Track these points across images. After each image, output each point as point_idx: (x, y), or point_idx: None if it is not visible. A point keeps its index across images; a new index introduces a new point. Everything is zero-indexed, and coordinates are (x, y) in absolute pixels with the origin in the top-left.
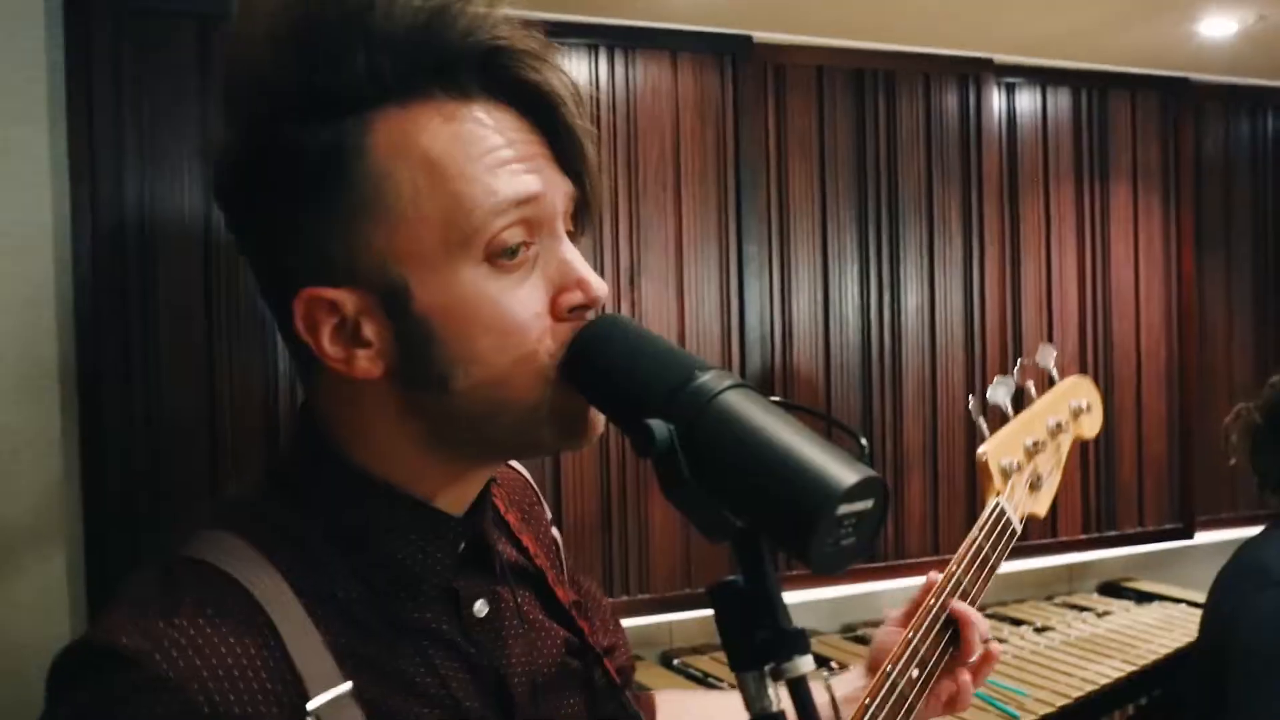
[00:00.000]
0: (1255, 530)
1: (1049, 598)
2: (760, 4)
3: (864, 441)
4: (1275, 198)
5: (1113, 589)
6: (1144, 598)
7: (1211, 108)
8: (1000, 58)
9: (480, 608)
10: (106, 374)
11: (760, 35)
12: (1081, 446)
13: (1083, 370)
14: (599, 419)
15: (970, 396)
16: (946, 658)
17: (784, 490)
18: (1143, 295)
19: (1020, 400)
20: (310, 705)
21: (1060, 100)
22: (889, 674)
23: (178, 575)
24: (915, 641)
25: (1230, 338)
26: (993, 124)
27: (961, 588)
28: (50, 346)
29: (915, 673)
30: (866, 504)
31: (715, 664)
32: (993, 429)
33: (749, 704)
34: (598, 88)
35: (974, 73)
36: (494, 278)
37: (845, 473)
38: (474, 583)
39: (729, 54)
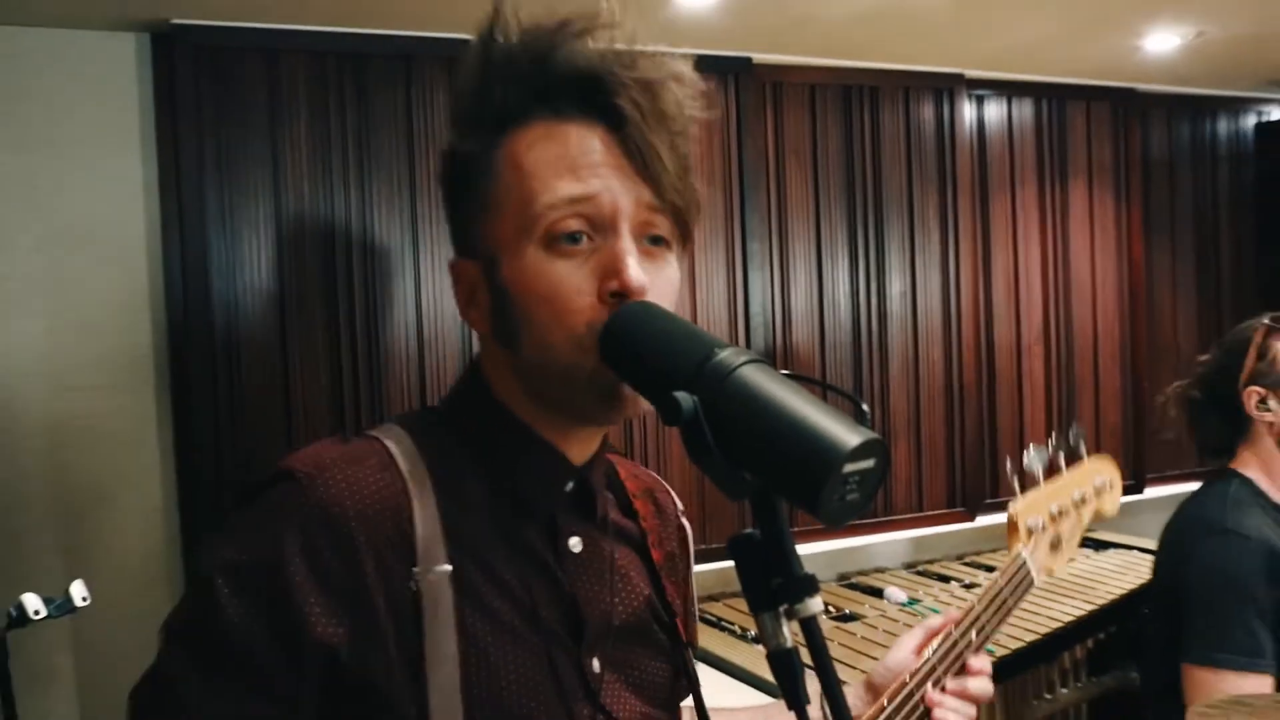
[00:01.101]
0: (1195, 485)
1: None
2: (759, 29)
3: (865, 407)
4: (1214, 193)
5: None
6: (1101, 546)
7: (1156, 114)
8: (971, 73)
9: (575, 544)
10: (194, 363)
11: (759, 57)
12: (1045, 414)
13: (1045, 349)
14: (635, 398)
15: (1009, 460)
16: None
17: (796, 452)
18: (1098, 281)
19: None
20: (415, 569)
21: (1024, 110)
22: (906, 685)
23: (358, 442)
24: (934, 663)
25: (1176, 318)
26: (965, 131)
27: (979, 623)
28: (146, 340)
29: (929, 689)
30: (868, 463)
31: (727, 609)
32: (1024, 490)
33: (765, 641)
34: None
35: (948, 87)
36: (552, 259)
37: (850, 435)
38: (574, 522)
39: (732, 73)
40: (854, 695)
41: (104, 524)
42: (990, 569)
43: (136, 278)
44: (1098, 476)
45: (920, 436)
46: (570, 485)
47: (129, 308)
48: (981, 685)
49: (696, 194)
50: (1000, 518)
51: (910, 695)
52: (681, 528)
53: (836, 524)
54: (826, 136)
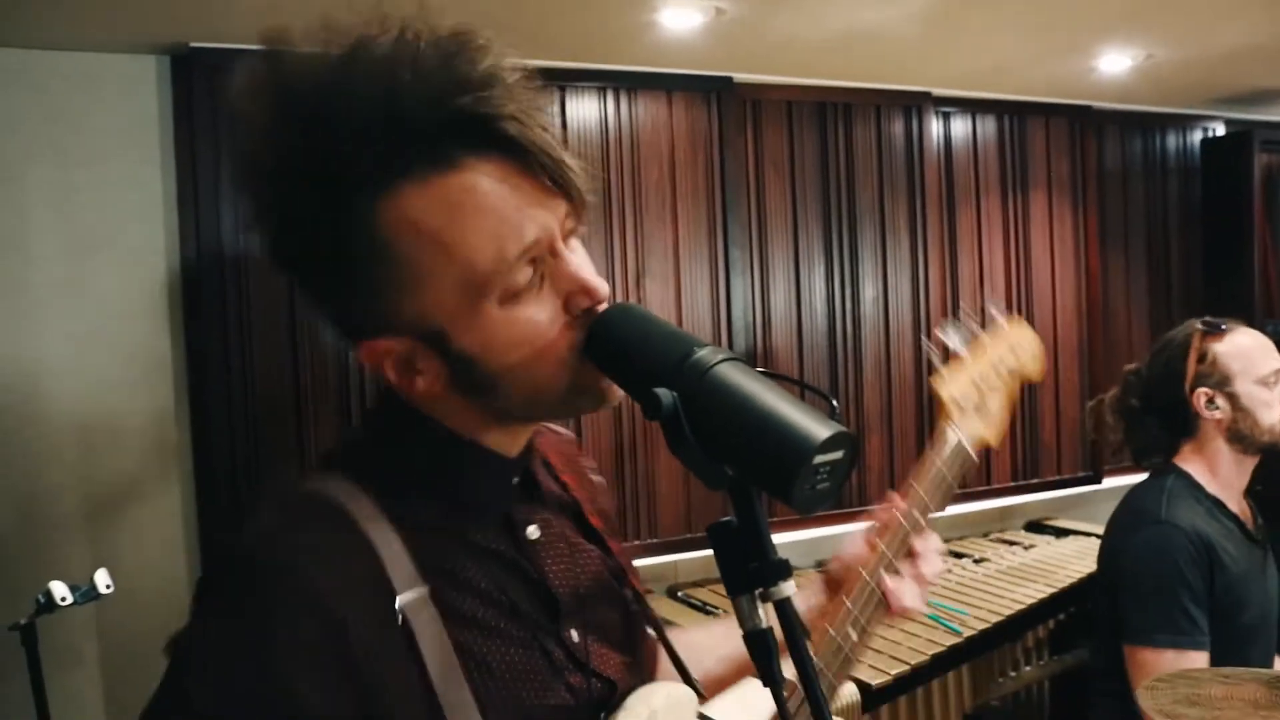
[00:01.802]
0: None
1: (985, 534)
2: (740, 51)
3: (835, 403)
4: (1164, 204)
5: (1036, 526)
6: (1062, 533)
7: (1110, 130)
8: (938, 91)
9: (533, 531)
10: (210, 363)
11: (740, 76)
12: (1009, 410)
13: None
14: (615, 388)
15: (925, 340)
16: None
17: (770, 444)
18: (1058, 286)
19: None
20: (398, 602)
21: (987, 126)
22: (865, 584)
23: (298, 503)
24: (886, 552)
25: (1129, 320)
26: (932, 146)
27: (921, 505)
28: (164, 342)
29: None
30: (838, 454)
31: (712, 594)
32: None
33: (742, 622)
34: (607, 122)
35: (916, 104)
36: (513, 308)
37: (820, 428)
38: (527, 510)
39: (714, 92)
40: (813, 593)
41: (126, 516)
42: (961, 555)
43: (156, 283)
44: (1018, 343)
45: (893, 431)
46: (516, 479)
47: (149, 312)
48: (931, 565)
49: (587, 170)
50: (972, 507)
51: (867, 586)
52: (603, 489)
53: (808, 512)
54: (803, 151)
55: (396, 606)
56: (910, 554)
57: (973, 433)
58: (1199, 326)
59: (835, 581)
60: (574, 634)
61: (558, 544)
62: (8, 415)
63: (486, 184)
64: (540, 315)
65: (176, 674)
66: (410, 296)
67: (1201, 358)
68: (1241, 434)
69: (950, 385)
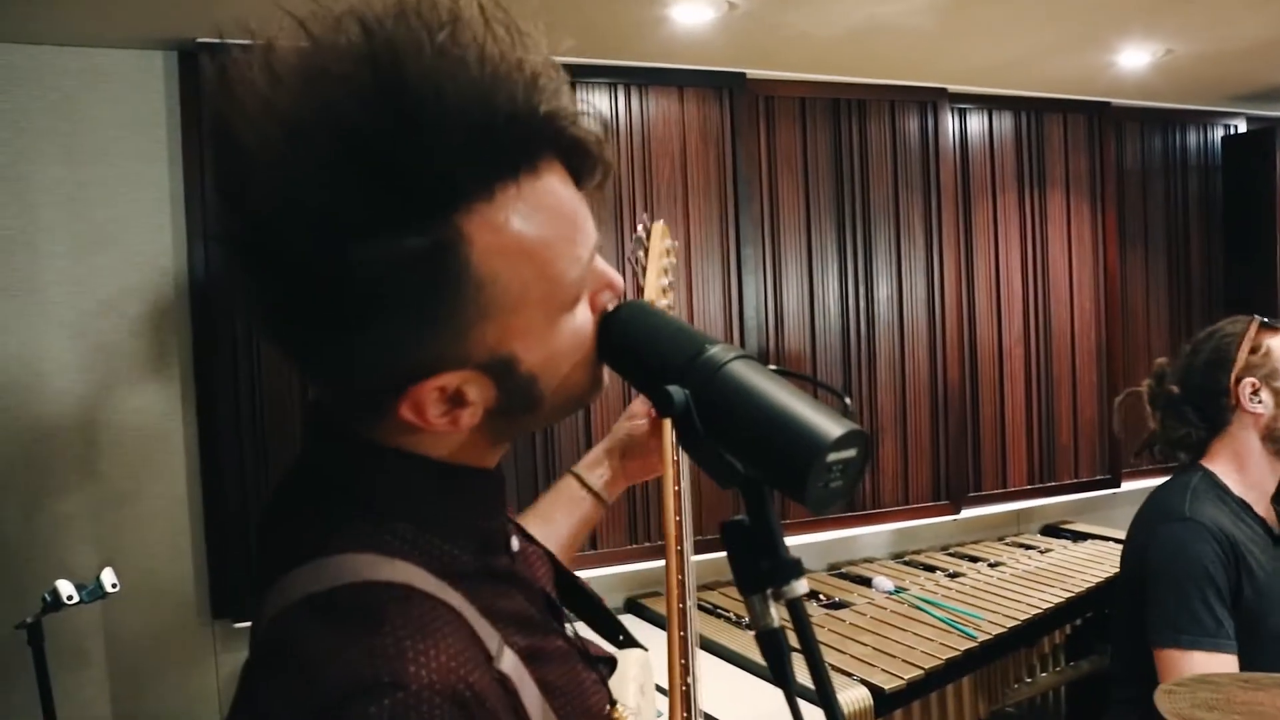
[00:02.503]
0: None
1: (1000, 538)
2: (752, 46)
3: (848, 400)
4: (1184, 202)
5: (1053, 530)
6: (1079, 537)
7: (1129, 127)
8: (953, 87)
9: (515, 543)
10: (217, 363)
11: (752, 72)
12: (1025, 412)
13: (1025, 349)
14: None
15: (630, 255)
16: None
17: (782, 441)
18: (1075, 284)
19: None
20: (499, 668)
21: (1004, 122)
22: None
23: (378, 599)
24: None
25: (1148, 320)
26: (948, 143)
27: None
28: (173, 342)
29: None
30: (851, 452)
31: (722, 597)
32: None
33: (754, 622)
34: (617, 118)
35: (931, 100)
36: (573, 318)
37: (833, 426)
38: (504, 522)
39: (726, 88)
40: (598, 456)
41: (132, 515)
42: (976, 559)
43: (163, 281)
44: (666, 239)
45: (906, 433)
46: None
47: (156, 309)
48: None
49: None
50: (988, 510)
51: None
52: None
53: (821, 510)
54: (816, 147)
55: (501, 671)
56: None
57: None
58: (1260, 319)
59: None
60: (568, 628)
61: (528, 548)
62: (15, 413)
63: (559, 188)
64: (584, 318)
65: None
66: (494, 324)
67: (1255, 349)
68: (1277, 434)
69: (651, 292)
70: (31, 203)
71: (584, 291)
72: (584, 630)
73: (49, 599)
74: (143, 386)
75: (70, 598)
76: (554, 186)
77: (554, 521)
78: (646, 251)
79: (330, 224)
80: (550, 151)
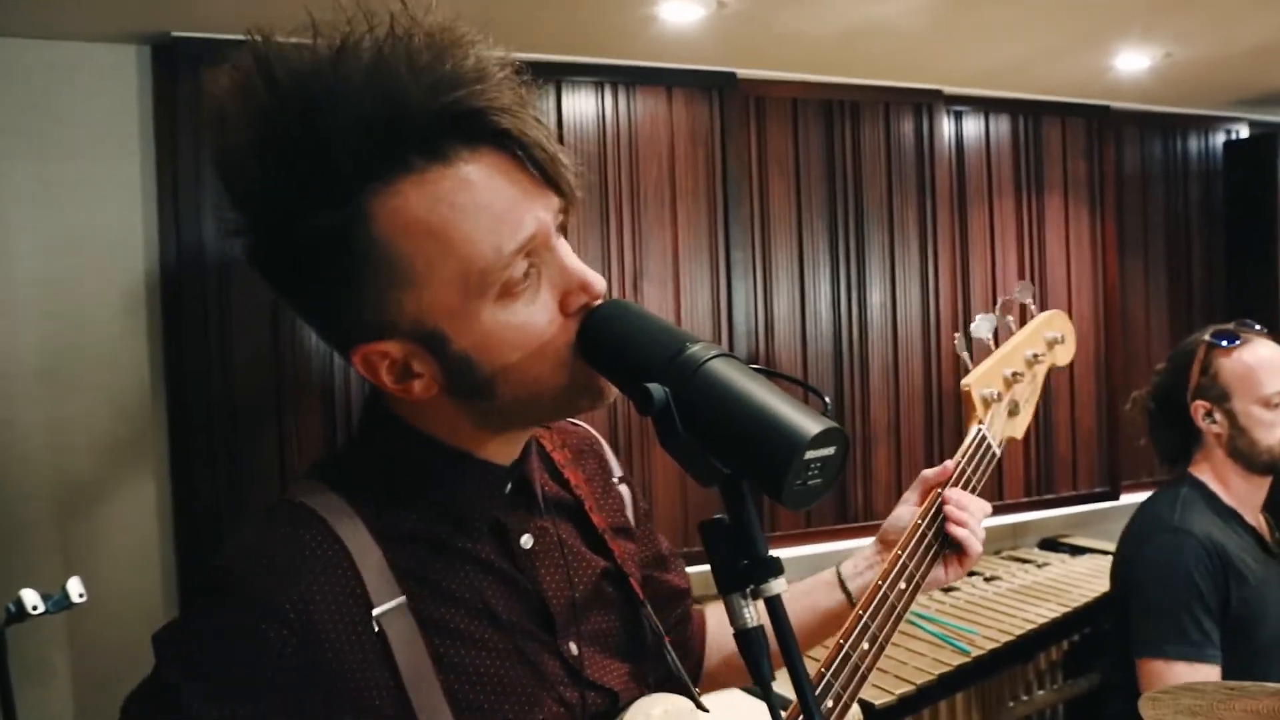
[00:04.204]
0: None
1: (997, 552)
2: (742, 45)
3: (827, 399)
4: (1185, 208)
5: (1050, 544)
6: (1077, 551)
7: (1129, 131)
8: (949, 89)
9: (527, 540)
10: (188, 365)
11: (743, 72)
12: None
13: None
14: (611, 386)
15: (956, 334)
16: (936, 555)
17: (761, 439)
18: (1074, 291)
19: (1000, 335)
20: (374, 612)
21: (1001, 125)
22: (899, 558)
23: (278, 514)
24: (923, 528)
25: (1149, 328)
26: (943, 146)
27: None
28: (141, 342)
29: (915, 564)
30: (829, 450)
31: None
32: (976, 362)
33: (733, 620)
34: (604, 118)
35: (927, 102)
36: (510, 306)
37: (811, 424)
38: (522, 519)
39: (716, 88)
40: (869, 553)
41: (100, 522)
42: (972, 574)
43: (134, 282)
44: (1049, 331)
45: (900, 443)
46: (509, 486)
47: (127, 310)
48: (977, 504)
49: (578, 166)
50: (983, 523)
51: (920, 534)
52: (618, 493)
53: (799, 507)
54: (808, 150)
55: (373, 616)
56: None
57: (999, 430)
58: (1206, 337)
59: (889, 541)
60: (572, 646)
61: (553, 553)
62: None
63: (482, 178)
64: (537, 313)
65: (159, 666)
66: (408, 296)
67: (1205, 369)
68: (1240, 450)
69: (979, 383)
70: (1, 200)
71: (510, 280)
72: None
73: (13, 609)
74: (112, 390)
75: (35, 608)
76: (470, 176)
77: (798, 601)
78: (1019, 324)
79: (266, 207)
80: (472, 143)
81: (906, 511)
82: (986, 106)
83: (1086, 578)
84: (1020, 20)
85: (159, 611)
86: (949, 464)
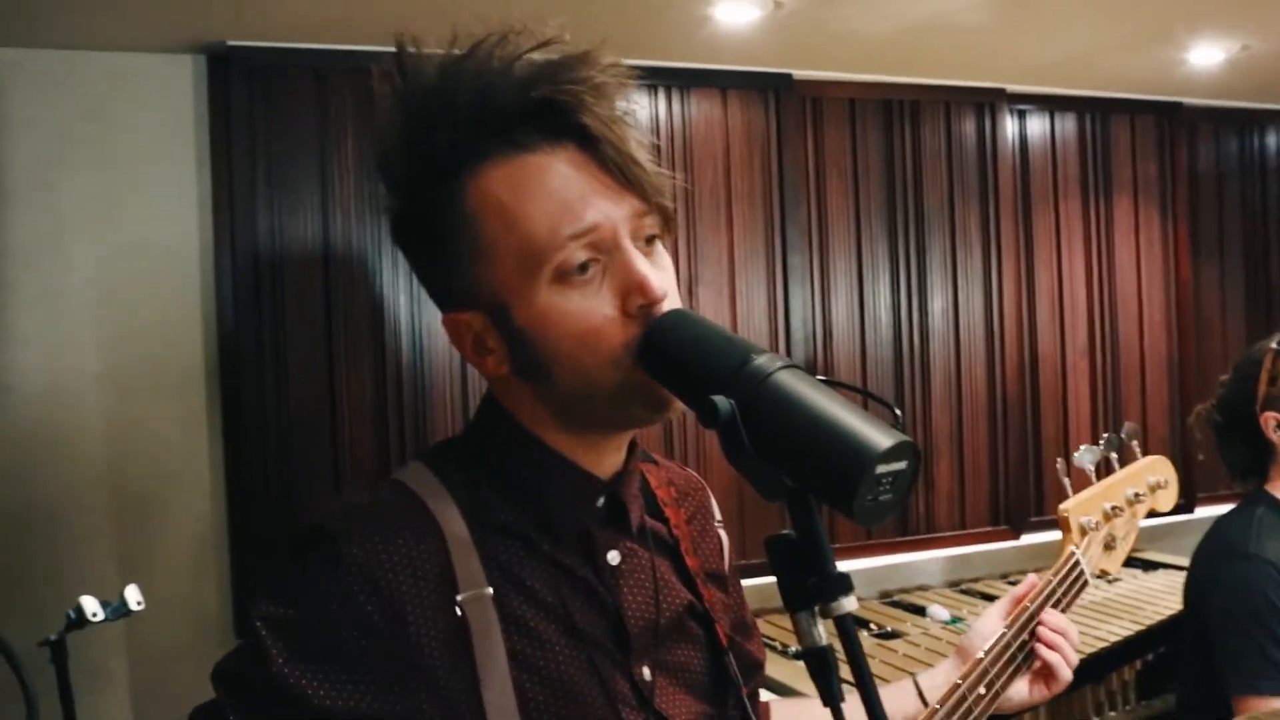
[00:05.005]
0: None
1: None
2: (798, 45)
3: (898, 411)
4: (1263, 208)
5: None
6: (1150, 566)
7: (1203, 128)
8: (1012, 87)
9: (613, 557)
10: (244, 374)
11: (799, 73)
12: (1091, 430)
13: (1091, 365)
14: (674, 399)
15: (1059, 459)
16: (1018, 670)
17: (830, 453)
18: (1145, 297)
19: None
20: (459, 597)
21: (1067, 124)
22: (980, 663)
23: (381, 488)
24: (1008, 637)
25: (1224, 334)
26: (1007, 146)
27: (1032, 624)
28: (198, 350)
29: (998, 673)
30: (901, 464)
31: (767, 624)
32: (1076, 489)
33: (801, 639)
34: (658, 122)
35: (989, 101)
36: (567, 293)
37: (882, 437)
38: (611, 535)
39: (772, 90)
40: (949, 667)
41: (157, 530)
42: None
43: (190, 290)
44: (1151, 475)
45: (963, 453)
46: (601, 500)
47: (183, 319)
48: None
49: (666, 177)
50: (1045, 536)
51: (1006, 644)
52: (718, 538)
53: (870, 524)
54: (867, 151)
55: (457, 600)
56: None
57: (1094, 560)
58: (1274, 344)
59: (967, 651)
60: (645, 671)
61: (640, 575)
62: (40, 425)
63: (557, 167)
64: (594, 306)
65: (249, 610)
66: (482, 268)
67: (1274, 378)
68: None
69: (1078, 509)
70: (60, 210)
71: (565, 263)
72: None
73: (73, 616)
74: (169, 399)
75: (95, 615)
76: (545, 163)
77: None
78: (1121, 463)
79: (397, 180)
80: (556, 137)
81: (987, 624)
82: (1051, 105)
83: (1160, 594)
84: (1086, 14)
85: (215, 620)
86: (1033, 578)
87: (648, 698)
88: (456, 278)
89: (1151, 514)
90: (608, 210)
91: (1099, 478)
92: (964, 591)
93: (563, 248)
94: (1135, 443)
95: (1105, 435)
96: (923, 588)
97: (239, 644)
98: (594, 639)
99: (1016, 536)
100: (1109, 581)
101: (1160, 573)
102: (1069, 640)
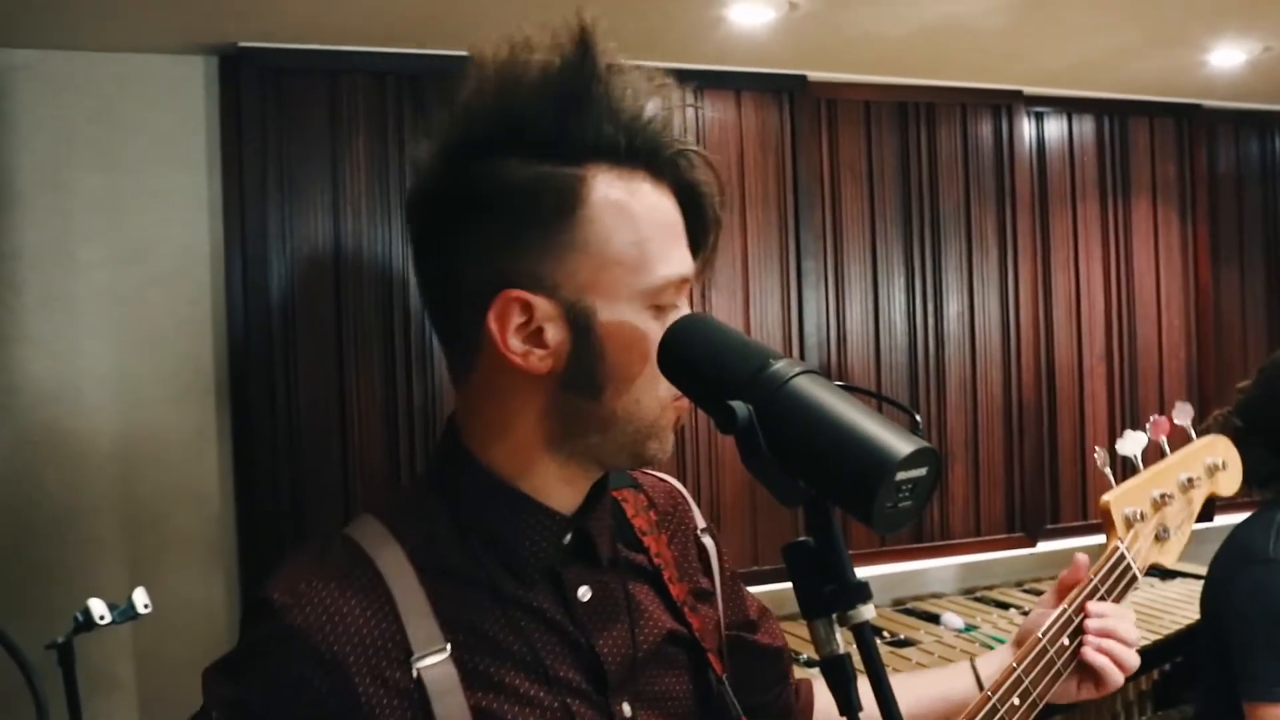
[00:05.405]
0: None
1: None
2: (813, 47)
3: (918, 417)
4: None
5: None
6: (1168, 575)
7: (1223, 130)
8: (1029, 89)
9: (584, 593)
10: (254, 376)
11: (814, 75)
12: (1108, 436)
13: (1109, 370)
14: (669, 439)
15: (1098, 449)
16: (1058, 676)
17: (849, 459)
18: (1163, 300)
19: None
20: (414, 661)
21: (1084, 126)
22: (1013, 671)
23: (329, 548)
24: (1043, 643)
25: (1245, 340)
26: (1024, 148)
27: (1073, 626)
28: (208, 354)
29: (1033, 682)
30: (921, 471)
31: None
32: (1120, 480)
33: (818, 647)
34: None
35: (1006, 103)
36: (650, 320)
37: (902, 443)
38: (581, 571)
39: (786, 92)
40: (1005, 652)
41: (166, 533)
42: None
43: (200, 294)
44: (1210, 456)
45: (978, 459)
46: (568, 537)
47: (192, 323)
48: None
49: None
50: (1062, 544)
51: (1040, 651)
52: (703, 549)
53: (889, 531)
54: (882, 154)
55: (413, 670)
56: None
57: (1143, 554)
58: None
59: (1021, 638)
60: (625, 708)
61: (613, 608)
62: (49, 428)
63: (668, 204)
64: (656, 338)
65: (204, 699)
66: (586, 262)
67: None
68: None
69: (1120, 500)
70: (70, 211)
71: (667, 306)
72: None
73: (80, 618)
74: (178, 401)
75: (102, 617)
76: (660, 199)
77: (918, 681)
78: (1166, 451)
79: (510, 142)
80: (665, 175)
81: (1041, 614)
82: (1069, 107)
83: (1178, 603)
84: (1105, 15)
85: (223, 624)
86: (1080, 558)
87: None
88: (547, 261)
89: (1213, 500)
90: (690, 263)
91: (1145, 464)
92: (978, 599)
93: (676, 286)
94: (1189, 423)
95: (1151, 418)
96: (937, 595)
97: (194, 716)
98: (567, 682)
99: (1033, 544)
100: (1163, 578)
101: (1178, 581)
102: (1120, 639)
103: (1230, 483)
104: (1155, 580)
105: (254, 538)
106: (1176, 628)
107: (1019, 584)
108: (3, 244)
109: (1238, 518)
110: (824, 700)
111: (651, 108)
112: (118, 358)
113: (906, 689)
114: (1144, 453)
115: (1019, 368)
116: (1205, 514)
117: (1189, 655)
